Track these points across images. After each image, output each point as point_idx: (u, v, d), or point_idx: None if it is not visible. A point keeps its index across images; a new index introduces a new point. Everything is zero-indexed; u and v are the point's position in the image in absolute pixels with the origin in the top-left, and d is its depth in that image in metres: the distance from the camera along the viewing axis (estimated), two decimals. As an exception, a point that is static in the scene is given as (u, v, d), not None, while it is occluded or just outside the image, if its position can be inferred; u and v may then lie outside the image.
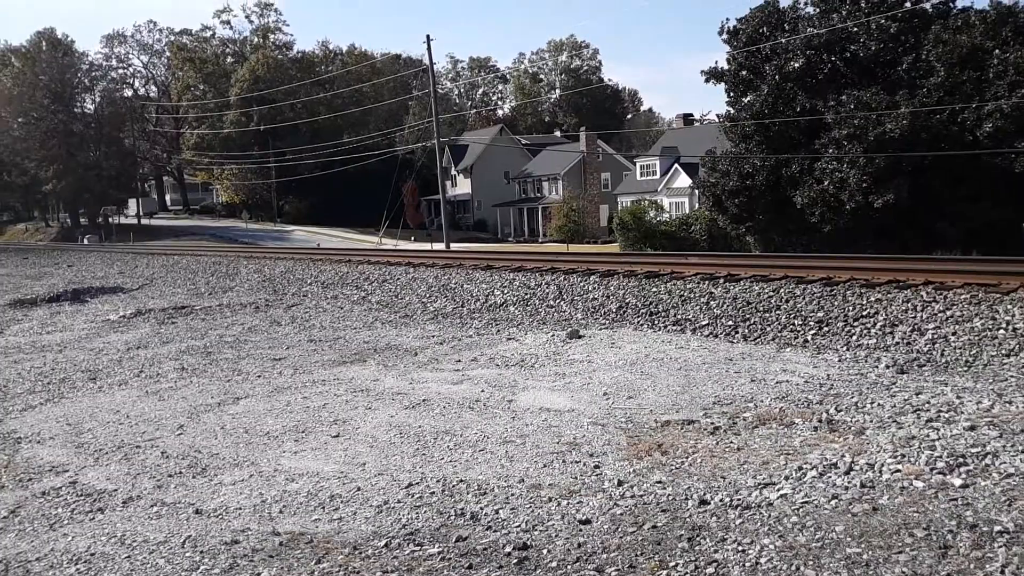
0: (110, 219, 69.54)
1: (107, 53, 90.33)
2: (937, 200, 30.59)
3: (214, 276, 22.86)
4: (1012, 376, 7.58)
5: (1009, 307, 9.27)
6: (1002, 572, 3.71)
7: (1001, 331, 8.84)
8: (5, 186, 79.36)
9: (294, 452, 6.70)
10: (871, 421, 6.15)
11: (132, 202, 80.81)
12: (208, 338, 13.07)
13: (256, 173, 76.95)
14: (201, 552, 4.87)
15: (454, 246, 39.29)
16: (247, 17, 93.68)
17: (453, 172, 74.98)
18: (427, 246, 35.15)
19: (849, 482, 4.90)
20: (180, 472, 6.38)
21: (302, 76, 79.32)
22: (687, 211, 49.82)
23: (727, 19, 38.24)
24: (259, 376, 9.86)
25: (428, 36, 43.82)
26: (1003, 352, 8.45)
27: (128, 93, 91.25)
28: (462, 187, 77.22)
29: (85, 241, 59.63)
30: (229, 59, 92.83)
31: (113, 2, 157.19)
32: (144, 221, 75.32)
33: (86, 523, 5.49)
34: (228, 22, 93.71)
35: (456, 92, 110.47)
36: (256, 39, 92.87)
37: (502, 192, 75.03)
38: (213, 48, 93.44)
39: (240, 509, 5.51)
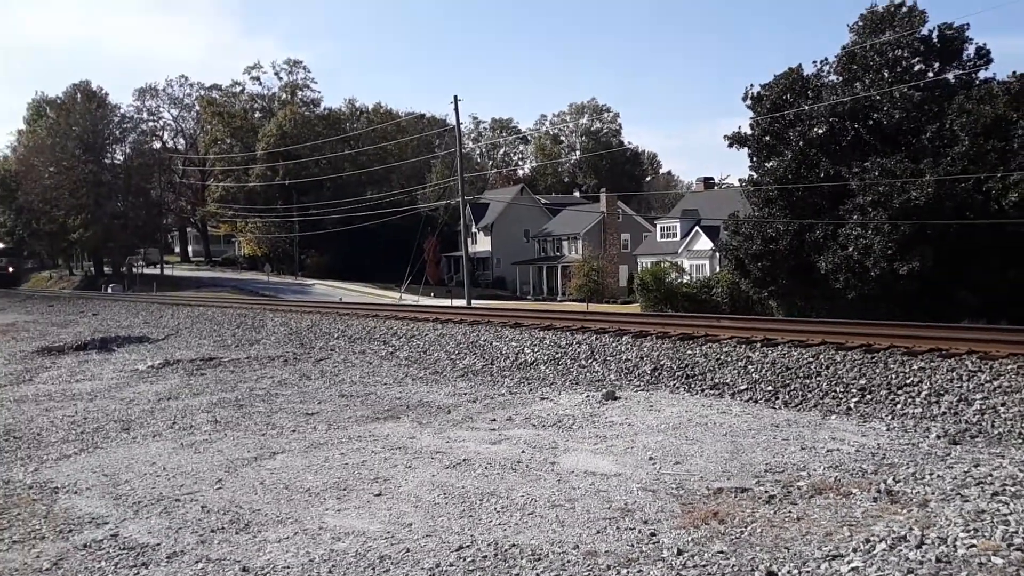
0: (133, 268, 70.31)
1: (139, 106, 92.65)
2: (961, 268, 30.43)
3: (240, 328, 22.91)
4: (1071, 450, 7.38)
5: (1060, 378, 9.09)
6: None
7: (1053, 403, 8.64)
8: (33, 233, 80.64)
9: (337, 510, 6.57)
10: (933, 493, 5.97)
11: (154, 251, 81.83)
12: (239, 391, 13.01)
13: (279, 226, 77.84)
14: (252, 612, 4.75)
15: (475, 302, 39.34)
16: (276, 74, 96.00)
17: (474, 230, 75.56)
18: (448, 302, 35.22)
19: (923, 556, 4.72)
20: (223, 527, 6.27)
21: (328, 132, 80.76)
22: (708, 273, 49.79)
23: (751, 85, 38.69)
24: (294, 431, 9.77)
25: (456, 97, 44.72)
26: (1057, 425, 8.25)
27: (157, 145, 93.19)
28: (482, 245, 77.76)
29: (109, 290, 60.19)
30: (257, 114, 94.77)
31: (147, 57, 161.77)
32: (167, 271, 76.02)
33: (130, 578, 5.38)
34: (258, 78, 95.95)
35: (478, 152, 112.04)
36: (284, 95, 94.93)
37: (521, 250, 75.52)
38: (242, 103, 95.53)
39: (288, 568, 5.39)
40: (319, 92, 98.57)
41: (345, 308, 26.07)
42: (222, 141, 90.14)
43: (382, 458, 8.20)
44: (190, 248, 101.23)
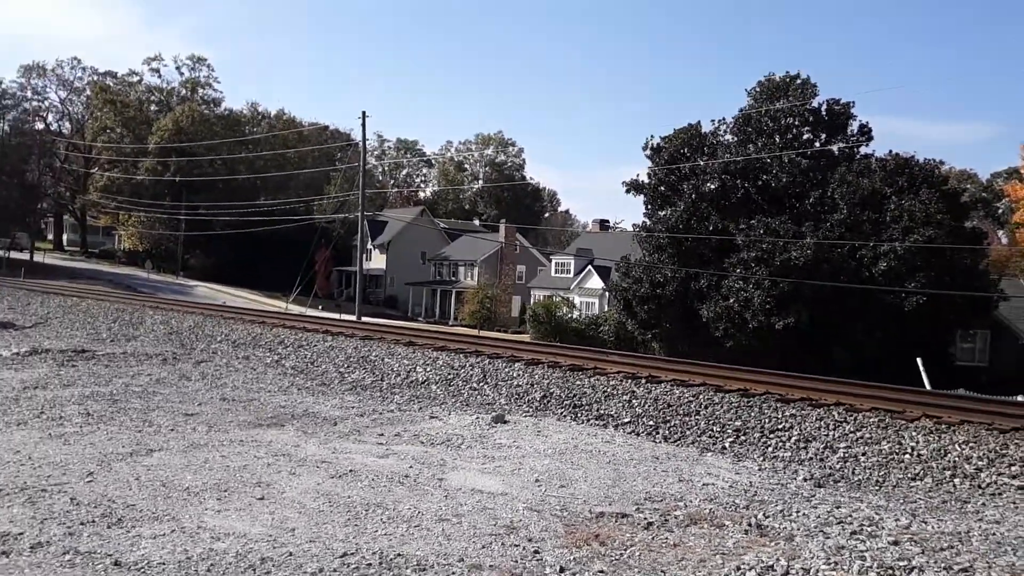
0: (-1, 252, 65.87)
1: (23, 83, 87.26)
2: (835, 328, 32.28)
3: (117, 323, 21.85)
4: (920, 499, 7.99)
5: (914, 434, 9.82)
6: None
7: (907, 456, 9.33)
8: None
9: (217, 511, 6.40)
10: (799, 529, 6.35)
11: (24, 236, 76.83)
12: (113, 385, 12.43)
13: (165, 223, 74.72)
14: (123, 607, 4.57)
15: (365, 319, 38.83)
16: (177, 68, 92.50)
17: (370, 246, 74.73)
18: (336, 316, 34.67)
19: (788, 585, 5.03)
20: (93, 521, 5.99)
21: (226, 133, 78.32)
22: (597, 311, 50.91)
23: (651, 136, 40.31)
24: (172, 430, 9.43)
25: (364, 112, 44.27)
26: (909, 476, 8.91)
27: (40, 126, 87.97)
28: (377, 262, 76.99)
29: (-31, 272, 56.13)
30: (153, 107, 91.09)
31: (37, 34, 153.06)
32: (38, 259, 71.53)
33: (-12, 567, 5.08)
34: (157, 70, 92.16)
35: (380, 170, 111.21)
36: (184, 91, 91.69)
37: (417, 272, 75.22)
38: (138, 94, 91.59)
39: (164, 564, 5.21)
40: (221, 92, 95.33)
41: (230, 311, 25.28)
42: (112, 130, 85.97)
43: (265, 463, 8.03)
44: (65, 237, 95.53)
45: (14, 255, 68.03)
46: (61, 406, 10.50)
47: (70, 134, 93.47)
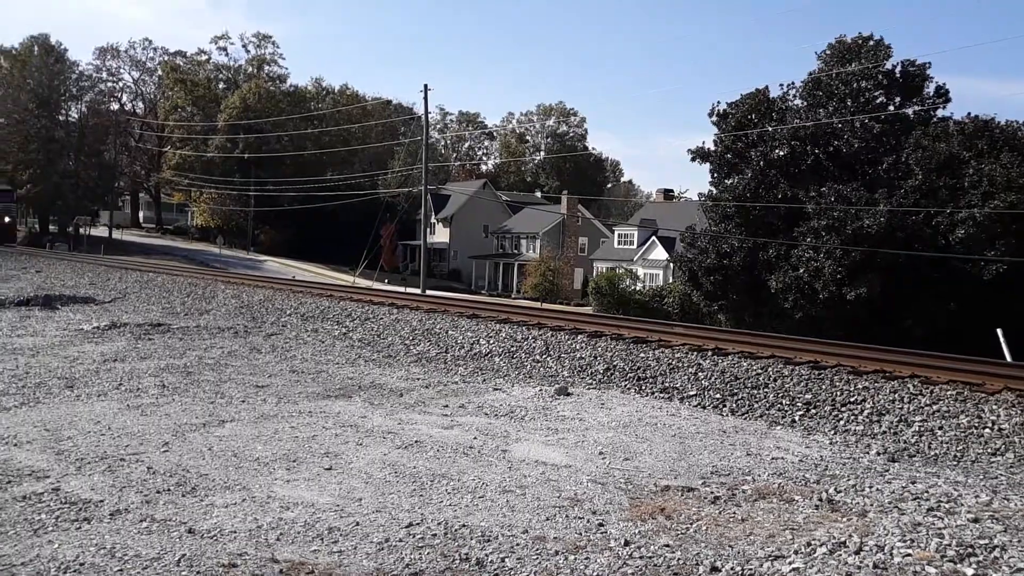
0: (80, 229, 68.30)
1: (98, 65, 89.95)
2: (907, 298, 31.27)
3: (190, 297, 22.49)
4: (1001, 474, 7.68)
5: (995, 407, 9.43)
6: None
7: (987, 430, 8.97)
8: (-23, 186, 77.85)
9: (286, 480, 6.54)
10: (872, 505, 6.16)
11: (104, 214, 79.64)
12: (187, 358, 12.80)
13: (235, 200, 76.51)
14: (197, 572, 4.71)
15: (429, 292, 39.20)
16: (244, 46, 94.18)
17: (433, 220, 75.30)
18: (401, 289, 35.09)
19: (861, 562, 4.88)
20: (169, 489, 6.19)
21: (292, 110, 79.63)
22: (661, 283, 50.40)
23: (718, 102, 39.38)
24: (243, 401, 9.66)
25: (425, 86, 44.33)
26: (989, 451, 8.57)
27: (115, 107, 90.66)
28: (440, 236, 77.55)
29: (54, 248, 58.50)
30: (221, 85, 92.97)
31: (110, 16, 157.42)
32: (116, 235, 74.11)
33: (72, 532, 5.29)
34: (225, 49, 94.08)
35: (443, 143, 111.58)
36: (251, 68, 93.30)
37: (480, 245, 75.56)
38: (206, 72, 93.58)
39: (235, 532, 5.34)
40: (286, 68, 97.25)
41: (299, 285, 25.78)
42: (183, 108, 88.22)
43: (333, 434, 8.17)
44: (141, 214, 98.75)
45: (93, 232, 70.56)
46: (138, 378, 10.86)
47: (144, 114, 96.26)
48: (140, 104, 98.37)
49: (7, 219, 57.27)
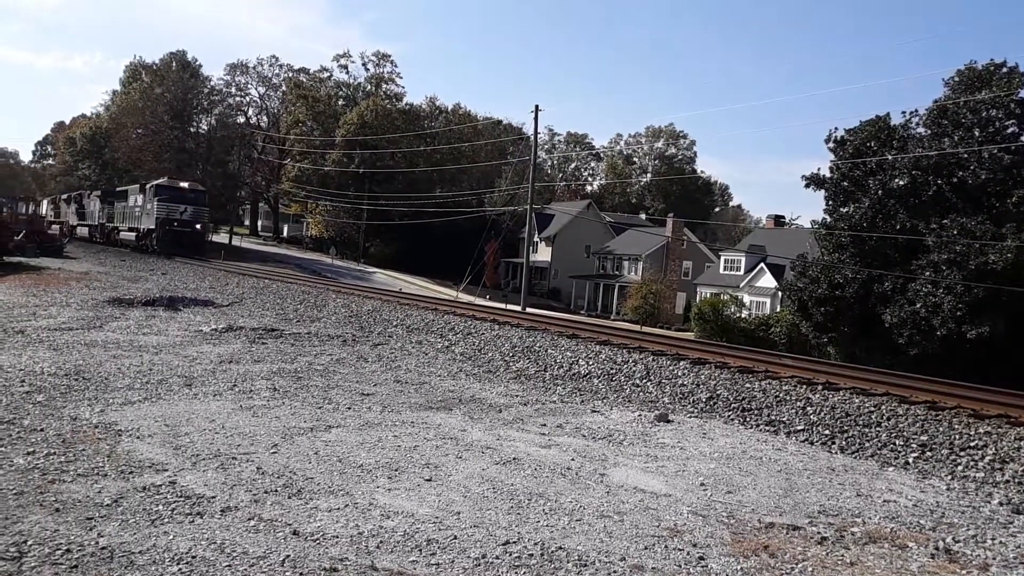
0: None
1: (228, 80, 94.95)
2: (1035, 340, 29.35)
3: (302, 304, 23.32)
4: None
5: None
6: None
7: None
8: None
9: (388, 489, 6.67)
10: (995, 558, 5.80)
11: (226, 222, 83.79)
12: (298, 363, 13.27)
13: (348, 212, 79.02)
14: (300, 574, 4.85)
15: (529, 310, 39.38)
16: (364, 65, 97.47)
17: (536, 239, 75.71)
18: (501, 306, 35.38)
19: (982, 620, 4.59)
20: (276, 490, 6.40)
21: (407, 127, 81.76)
22: (768, 312, 48.99)
23: (835, 128, 38.10)
24: (349, 408, 9.93)
25: (536, 107, 44.70)
26: None
27: (241, 120, 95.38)
28: (542, 254, 77.85)
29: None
30: (341, 101, 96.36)
31: (241, 34, 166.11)
32: (235, 243, 77.73)
33: (185, 525, 5.54)
34: (346, 67, 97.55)
35: (550, 163, 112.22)
36: (369, 86, 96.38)
37: (580, 265, 75.45)
38: (327, 89, 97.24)
39: (337, 537, 5.48)
40: (403, 87, 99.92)
41: (405, 298, 26.36)
42: (303, 123, 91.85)
43: (434, 446, 8.28)
44: (259, 223, 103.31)
45: (215, 239, 74.19)
46: (251, 380, 11.32)
47: (267, 127, 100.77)
48: (264, 118, 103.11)
49: (198, 226, 45.99)
